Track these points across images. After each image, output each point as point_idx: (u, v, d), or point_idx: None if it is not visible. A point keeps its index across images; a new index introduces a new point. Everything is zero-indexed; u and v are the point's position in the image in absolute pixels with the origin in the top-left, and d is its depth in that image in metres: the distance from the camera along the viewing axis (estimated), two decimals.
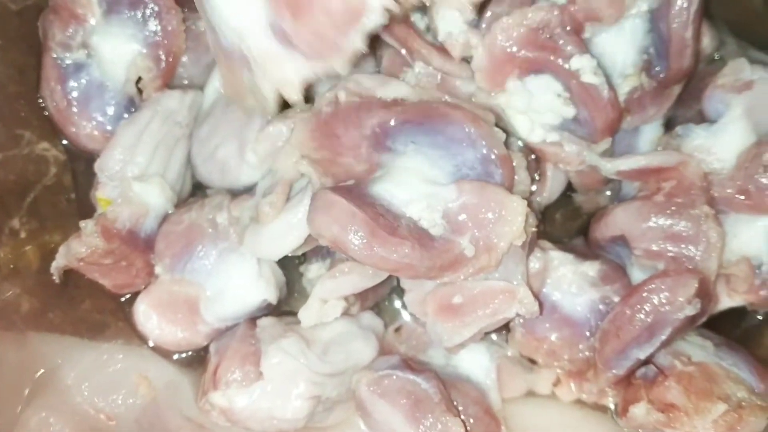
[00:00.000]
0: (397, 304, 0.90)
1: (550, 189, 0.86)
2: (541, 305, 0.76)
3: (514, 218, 0.71)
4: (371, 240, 0.69)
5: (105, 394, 0.81)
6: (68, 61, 0.85)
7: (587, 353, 0.81)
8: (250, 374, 0.76)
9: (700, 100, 0.84)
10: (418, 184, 0.73)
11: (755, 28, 0.91)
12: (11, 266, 0.83)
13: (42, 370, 0.81)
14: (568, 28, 0.75)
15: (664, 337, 0.75)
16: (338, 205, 0.70)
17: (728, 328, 0.85)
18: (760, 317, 0.87)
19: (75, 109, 0.86)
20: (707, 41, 0.89)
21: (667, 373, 0.76)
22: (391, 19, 0.66)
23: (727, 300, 0.81)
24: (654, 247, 0.77)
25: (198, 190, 0.91)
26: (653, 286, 0.75)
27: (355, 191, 0.73)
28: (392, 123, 0.74)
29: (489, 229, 0.71)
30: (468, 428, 0.77)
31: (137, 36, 0.85)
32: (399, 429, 0.76)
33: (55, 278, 0.81)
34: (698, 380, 0.74)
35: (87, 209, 0.86)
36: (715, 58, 0.91)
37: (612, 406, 0.83)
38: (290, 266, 0.88)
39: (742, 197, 0.78)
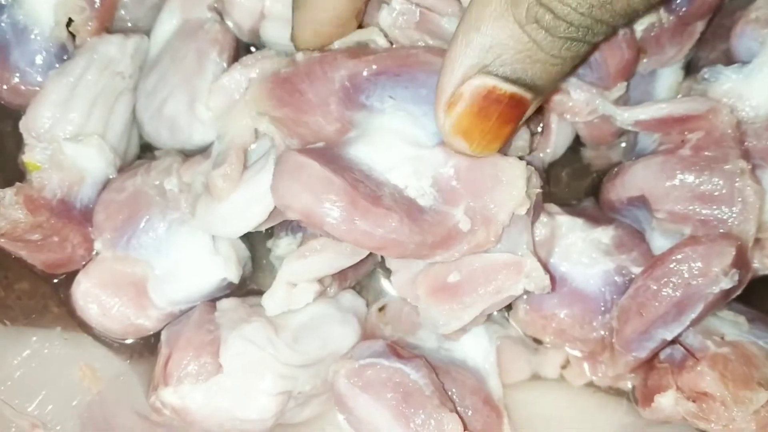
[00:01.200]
0: (382, 279, 0.81)
1: (555, 144, 0.78)
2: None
3: (514, 183, 0.62)
4: (352, 211, 0.59)
5: (34, 392, 0.72)
6: None
7: (602, 332, 0.72)
8: (206, 367, 0.67)
9: (727, 39, 0.77)
10: (400, 146, 0.64)
11: None
12: None
13: None
14: None
15: (694, 315, 0.66)
16: (310, 169, 0.60)
17: (759, 299, 0.76)
18: None
19: None
20: None
21: (698, 356, 0.67)
22: None
23: (758, 268, 0.73)
24: (680, 209, 0.69)
25: (148, 151, 0.82)
26: (682, 255, 0.66)
27: (329, 154, 0.63)
28: (364, 74, 0.65)
29: (486, 198, 0.63)
30: (465, 422, 0.68)
31: None
32: (385, 428, 0.66)
33: None
34: (735, 364, 0.66)
35: (16, 176, 0.76)
36: None
37: (630, 386, 0.75)
38: (256, 236, 0.78)
39: None
